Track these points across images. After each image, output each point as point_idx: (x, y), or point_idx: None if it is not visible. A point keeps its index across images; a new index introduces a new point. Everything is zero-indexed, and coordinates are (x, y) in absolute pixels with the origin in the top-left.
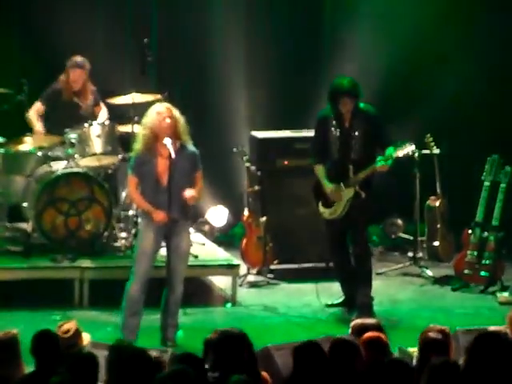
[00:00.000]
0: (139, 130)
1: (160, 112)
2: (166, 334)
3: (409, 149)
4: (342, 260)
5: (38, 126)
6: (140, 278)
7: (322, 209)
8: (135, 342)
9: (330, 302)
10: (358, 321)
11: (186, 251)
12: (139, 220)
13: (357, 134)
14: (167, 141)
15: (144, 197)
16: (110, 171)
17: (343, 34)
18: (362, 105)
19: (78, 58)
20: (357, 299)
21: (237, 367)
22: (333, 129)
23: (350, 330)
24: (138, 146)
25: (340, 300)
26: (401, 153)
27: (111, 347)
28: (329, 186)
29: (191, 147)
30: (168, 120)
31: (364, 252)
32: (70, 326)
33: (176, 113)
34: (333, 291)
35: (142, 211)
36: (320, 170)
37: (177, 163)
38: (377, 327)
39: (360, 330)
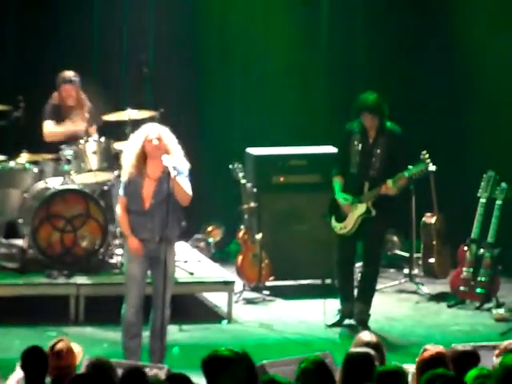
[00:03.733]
0: (127, 150)
1: (147, 134)
2: (154, 358)
3: (419, 169)
4: (346, 277)
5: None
6: (133, 303)
7: (334, 223)
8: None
9: (329, 323)
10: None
11: (170, 275)
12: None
13: (378, 151)
14: (165, 159)
15: (128, 217)
16: (105, 188)
17: (342, 48)
18: (388, 123)
19: (67, 73)
20: (355, 315)
21: None
22: (355, 143)
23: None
24: (126, 167)
25: (338, 318)
26: (411, 174)
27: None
28: (341, 198)
29: (181, 162)
30: (155, 142)
31: (372, 271)
32: (62, 346)
33: (164, 133)
34: (329, 307)
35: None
36: (336, 182)
37: (161, 184)
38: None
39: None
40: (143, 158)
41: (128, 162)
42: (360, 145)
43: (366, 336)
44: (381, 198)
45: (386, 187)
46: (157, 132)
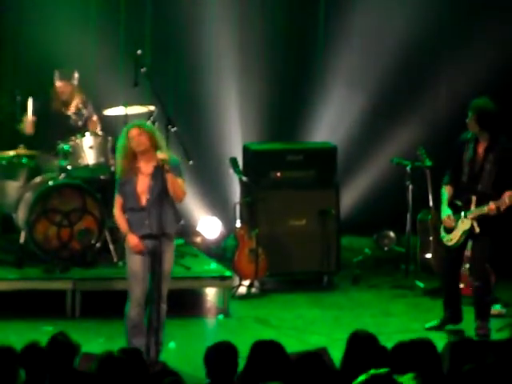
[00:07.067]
0: (116, 152)
1: (130, 131)
2: (149, 353)
3: None
4: (450, 285)
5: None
6: (137, 302)
7: (442, 233)
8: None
9: (428, 325)
10: None
11: (167, 271)
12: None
13: (488, 166)
14: (160, 154)
15: (125, 216)
16: (102, 182)
17: (337, 47)
18: (502, 138)
19: (64, 70)
20: (474, 331)
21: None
22: (467, 152)
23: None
24: (118, 167)
25: (437, 321)
26: None
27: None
28: (446, 213)
29: (172, 158)
30: (140, 137)
31: (480, 286)
32: (62, 340)
33: (146, 127)
34: (325, 303)
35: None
36: (444, 193)
37: (155, 179)
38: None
39: None
40: (132, 155)
41: (118, 161)
42: (471, 155)
43: None
44: (486, 217)
45: (489, 209)
46: (136, 128)
